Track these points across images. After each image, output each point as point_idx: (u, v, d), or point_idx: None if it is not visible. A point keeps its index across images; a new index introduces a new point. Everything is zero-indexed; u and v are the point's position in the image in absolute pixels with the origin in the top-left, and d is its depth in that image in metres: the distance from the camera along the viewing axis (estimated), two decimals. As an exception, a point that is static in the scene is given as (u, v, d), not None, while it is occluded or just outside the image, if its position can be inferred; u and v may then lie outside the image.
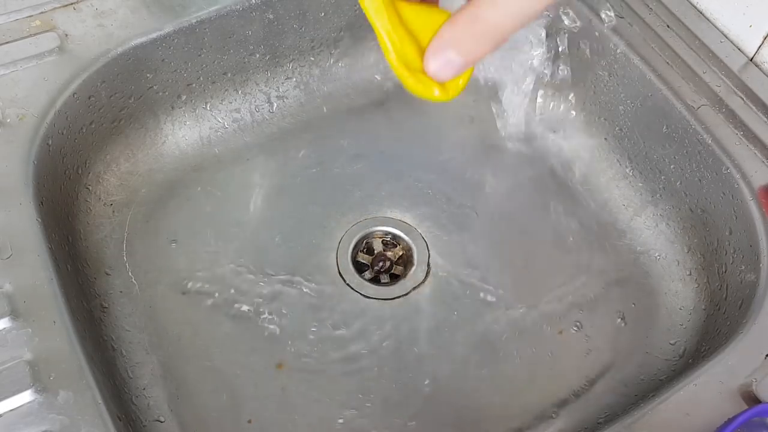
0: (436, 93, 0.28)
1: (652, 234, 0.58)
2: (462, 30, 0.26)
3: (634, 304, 0.55)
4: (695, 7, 0.59)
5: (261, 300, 0.54)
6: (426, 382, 0.51)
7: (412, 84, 0.28)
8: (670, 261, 0.57)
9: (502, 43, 0.27)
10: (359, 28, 0.64)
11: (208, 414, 0.48)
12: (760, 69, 0.56)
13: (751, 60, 0.56)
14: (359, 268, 0.57)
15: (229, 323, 0.52)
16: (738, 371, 0.42)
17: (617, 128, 0.60)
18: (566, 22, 0.59)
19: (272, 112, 0.64)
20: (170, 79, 0.58)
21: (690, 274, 0.56)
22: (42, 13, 0.54)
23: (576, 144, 0.63)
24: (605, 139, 0.62)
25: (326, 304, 0.54)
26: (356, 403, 0.50)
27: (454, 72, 0.27)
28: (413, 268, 0.56)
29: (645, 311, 0.55)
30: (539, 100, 0.65)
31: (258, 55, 0.61)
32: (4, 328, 0.40)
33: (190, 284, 0.54)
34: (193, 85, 0.60)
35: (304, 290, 0.54)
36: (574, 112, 0.64)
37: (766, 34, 0.54)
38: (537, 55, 0.59)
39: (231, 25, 0.57)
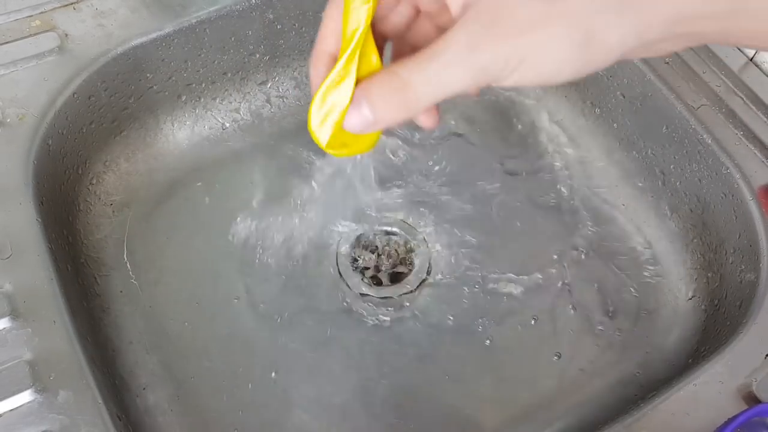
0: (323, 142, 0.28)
1: (652, 234, 0.58)
2: (381, 87, 0.26)
3: (633, 304, 0.55)
4: (695, 7, 0.59)
5: (261, 300, 0.54)
6: (426, 382, 0.51)
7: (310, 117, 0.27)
8: (670, 261, 0.57)
9: (418, 113, 0.26)
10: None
11: (208, 414, 0.48)
12: (760, 69, 0.56)
13: (751, 60, 0.56)
14: (359, 268, 0.56)
15: (229, 323, 0.52)
16: (738, 371, 0.42)
17: (617, 128, 0.60)
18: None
19: (272, 112, 0.64)
20: (170, 79, 0.58)
21: (690, 275, 0.56)
22: (42, 13, 0.54)
23: (576, 144, 0.63)
24: (605, 139, 0.62)
25: (326, 305, 0.54)
26: (356, 402, 0.50)
27: (361, 126, 0.26)
28: (413, 269, 0.56)
29: (645, 311, 0.55)
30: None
31: (258, 55, 0.61)
32: (4, 328, 0.40)
33: (190, 284, 0.54)
34: (193, 85, 0.60)
35: (304, 290, 0.54)
36: (573, 113, 0.64)
37: (766, 34, 0.54)
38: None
39: (231, 25, 0.57)
